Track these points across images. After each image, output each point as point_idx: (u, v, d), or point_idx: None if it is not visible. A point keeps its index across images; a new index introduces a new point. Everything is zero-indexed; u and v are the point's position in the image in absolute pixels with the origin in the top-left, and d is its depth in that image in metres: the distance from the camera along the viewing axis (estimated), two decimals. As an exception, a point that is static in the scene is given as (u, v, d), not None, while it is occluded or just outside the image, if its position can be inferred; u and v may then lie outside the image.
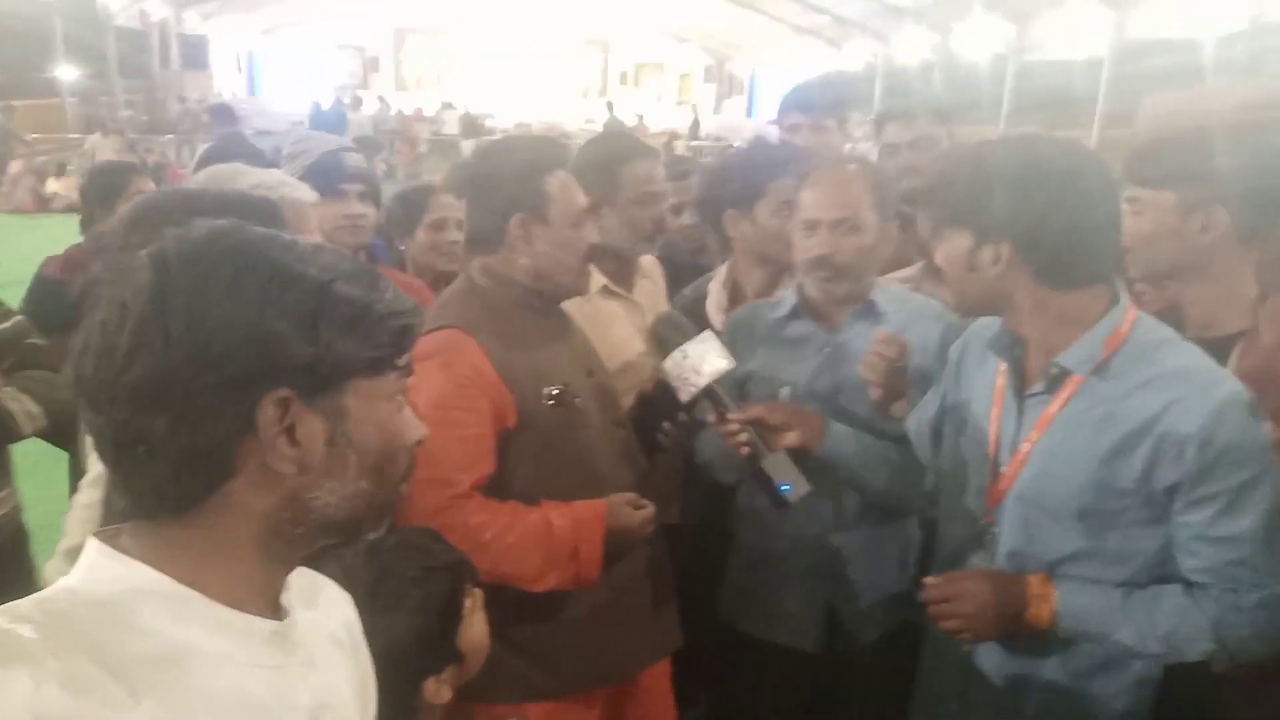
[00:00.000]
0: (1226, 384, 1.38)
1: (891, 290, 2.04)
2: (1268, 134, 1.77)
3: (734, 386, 2.02)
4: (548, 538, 1.68)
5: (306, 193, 1.91)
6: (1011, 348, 1.57)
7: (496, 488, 1.70)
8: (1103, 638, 1.46)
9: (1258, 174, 1.65)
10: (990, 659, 1.61)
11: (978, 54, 18.31)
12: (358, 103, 18.74)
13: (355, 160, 2.43)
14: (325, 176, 2.27)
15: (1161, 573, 1.44)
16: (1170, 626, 1.40)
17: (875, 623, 2.01)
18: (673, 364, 1.76)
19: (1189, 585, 1.41)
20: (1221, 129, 1.75)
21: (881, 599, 1.99)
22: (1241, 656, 1.43)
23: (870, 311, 1.97)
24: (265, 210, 1.49)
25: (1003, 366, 1.59)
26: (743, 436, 1.71)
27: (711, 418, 1.76)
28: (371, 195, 2.45)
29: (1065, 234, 1.41)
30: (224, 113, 8.16)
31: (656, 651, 1.97)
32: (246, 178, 1.82)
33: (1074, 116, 14.68)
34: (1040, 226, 1.41)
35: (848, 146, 3.02)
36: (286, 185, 1.86)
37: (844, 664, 2.03)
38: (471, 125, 22.00)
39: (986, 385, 1.62)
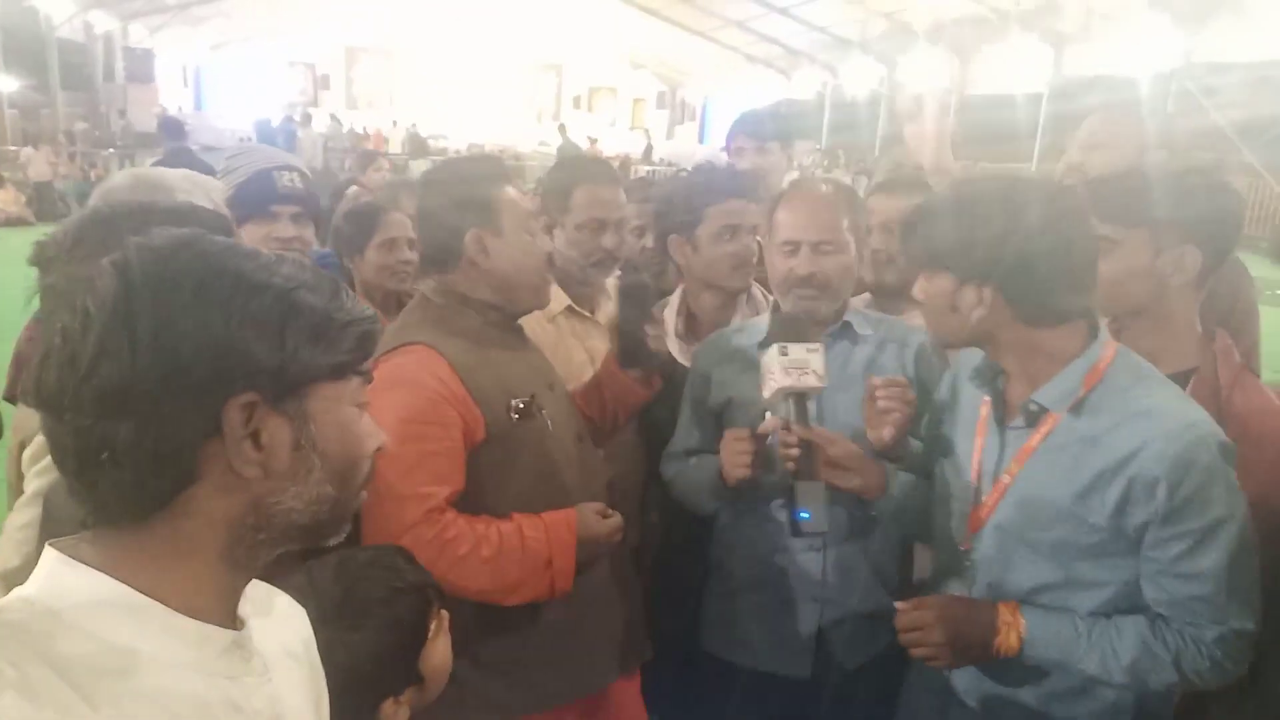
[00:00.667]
0: (1199, 426, 1.38)
1: (864, 311, 2.05)
2: (1216, 171, 1.78)
3: (714, 413, 2.02)
4: (522, 550, 1.67)
5: (218, 186, 1.92)
6: (993, 380, 1.58)
7: (465, 503, 1.69)
8: (1069, 666, 1.47)
9: (1212, 212, 1.63)
10: (969, 681, 1.62)
11: (922, 86, 18.75)
12: (308, 120, 18.46)
13: (289, 179, 2.30)
14: (256, 197, 2.19)
15: (1133, 603, 1.46)
16: (1133, 657, 1.42)
17: (862, 645, 1.96)
18: (770, 356, 1.73)
19: (1153, 617, 1.43)
20: (1181, 167, 1.74)
21: (868, 622, 1.94)
22: (1200, 686, 1.45)
23: (848, 333, 1.97)
24: (217, 223, 1.47)
25: (986, 397, 1.60)
26: (794, 452, 1.70)
27: (779, 421, 1.74)
28: (309, 215, 2.33)
29: (1048, 275, 1.41)
30: (173, 126, 8.01)
31: (626, 663, 1.96)
32: (168, 179, 1.79)
33: (1014, 150, 15.10)
34: (1024, 269, 1.40)
35: (794, 173, 3.07)
36: (195, 181, 1.83)
37: (827, 687, 1.98)
38: (416, 144, 21.84)
39: (971, 414, 1.63)
